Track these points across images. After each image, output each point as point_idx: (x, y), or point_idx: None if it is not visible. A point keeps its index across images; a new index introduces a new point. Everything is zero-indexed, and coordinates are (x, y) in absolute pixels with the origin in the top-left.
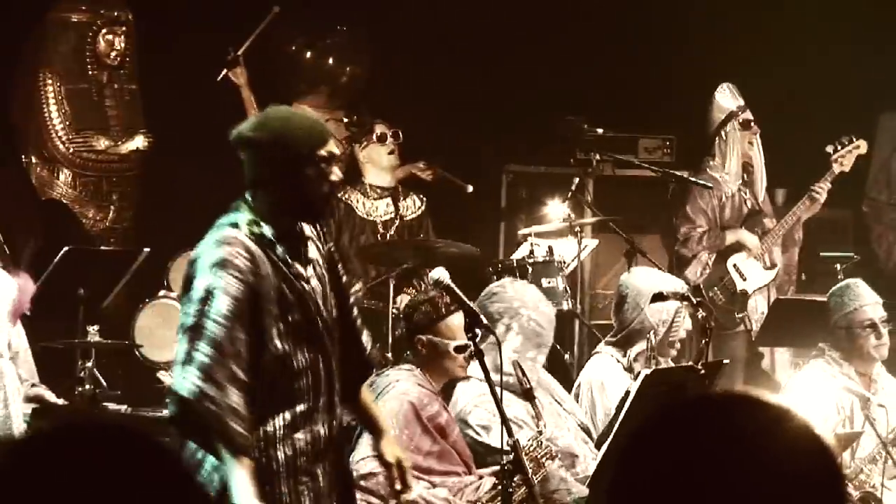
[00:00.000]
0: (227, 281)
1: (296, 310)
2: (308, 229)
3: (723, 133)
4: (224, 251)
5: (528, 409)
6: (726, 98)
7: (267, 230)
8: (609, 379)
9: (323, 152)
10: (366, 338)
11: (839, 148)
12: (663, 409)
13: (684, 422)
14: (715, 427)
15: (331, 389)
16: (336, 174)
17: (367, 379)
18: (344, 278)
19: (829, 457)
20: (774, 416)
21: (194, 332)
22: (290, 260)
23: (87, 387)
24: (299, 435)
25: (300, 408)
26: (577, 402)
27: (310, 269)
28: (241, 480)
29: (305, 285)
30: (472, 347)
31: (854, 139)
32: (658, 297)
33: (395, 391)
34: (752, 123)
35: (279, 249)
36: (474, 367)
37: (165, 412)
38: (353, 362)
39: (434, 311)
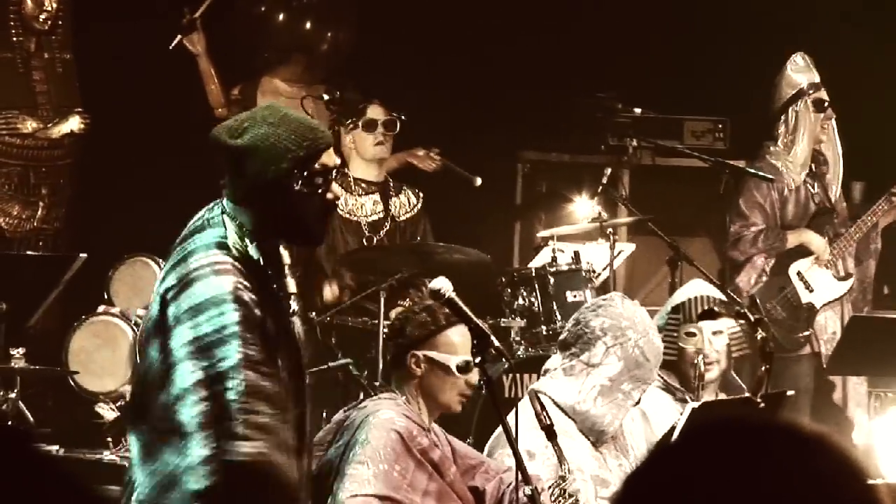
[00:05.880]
0: (243, 319)
1: (284, 351)
2: (285, 255)
3: (790, 112)
4: (228, 282)
5: (593, 455)
6: (799, 71)
7: (254, 252)
8: (653, 408)
9: (316, 167)
10: None
11: None
12: (689, 431)
13: (708, 444)
14: (740, 453)
15: (310, 452)
16: (333, 191)
17: None
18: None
19: (869, 494)
20: (805, 444)
21: (226, 382)
22: (276, 285)
23: (10, 423)
24: None
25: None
26: None
27: (293, 303)
28: None
29: (294, 321)
30: (481, 373)
31: None
32: (707, 315)
33: (378, 421)
34: (828, 105)
35: (268, 277)
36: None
37: (192, 486)
38: None
39: (432, 320)
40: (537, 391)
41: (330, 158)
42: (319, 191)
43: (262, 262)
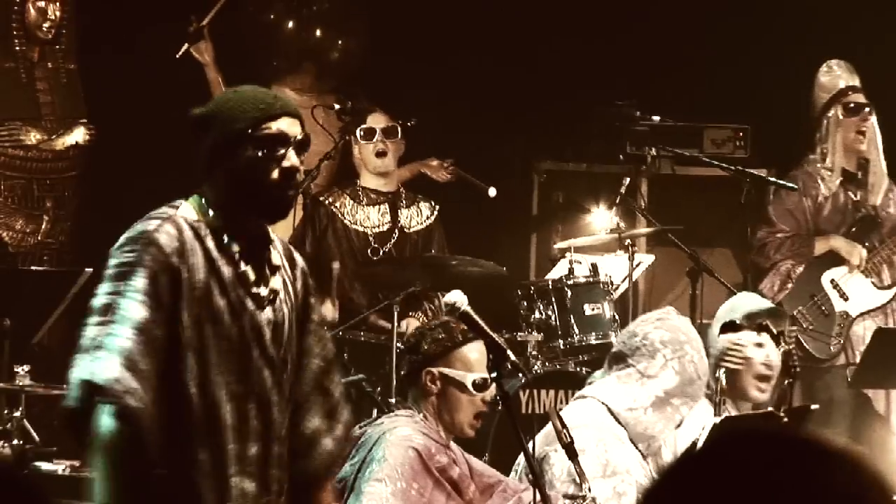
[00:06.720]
0: (146, 257)
1: (223, 321)
2: (279, 244)
3: (824, 119)
4: (148, 224)
5: (641, 463)
6: (832, 77)
7: (214, 220)
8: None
9: (271, 129)
10: (345, 416)
11: None
12: (709, 445)
13: (727, 458)
14: (760, 468)
15: (268, 440)
16: (291, 160)
17: (330, 471)
18: (315, 319)
19: None
20: (827, 458)
21: (109, 311)
22: (237, 259)
23: (16, 442)
24: (207, 483)
25: (204, 455)
26: None
27: (264, 288)
28: None
29: (248, 299)
30: (497, 388)
31: None
32: (729, 327)
33: (395, 437)
34: (866, 109)
35: (225, 243)
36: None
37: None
38: (316, 445)
39: (448, 337)
40: (584, 396)
41: (290, 127)
42: (277, 156)
43: (221, 232)
